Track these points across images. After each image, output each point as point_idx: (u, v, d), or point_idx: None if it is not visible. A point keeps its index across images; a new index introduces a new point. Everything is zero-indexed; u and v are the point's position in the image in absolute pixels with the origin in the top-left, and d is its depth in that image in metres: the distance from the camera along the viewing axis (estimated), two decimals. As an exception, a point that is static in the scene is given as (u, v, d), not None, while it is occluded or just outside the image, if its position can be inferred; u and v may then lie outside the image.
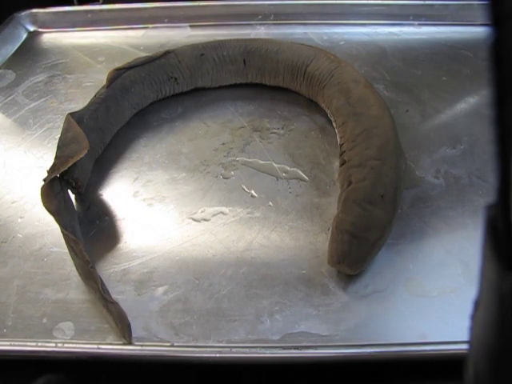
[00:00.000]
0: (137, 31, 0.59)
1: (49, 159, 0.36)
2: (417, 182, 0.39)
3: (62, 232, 0.33)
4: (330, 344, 0.30)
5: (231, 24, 0.57)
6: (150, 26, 0.57)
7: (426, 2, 0.55)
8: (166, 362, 0.31)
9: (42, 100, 0.49)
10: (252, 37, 0.54)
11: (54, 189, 0.35)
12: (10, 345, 0.30)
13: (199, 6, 0.57)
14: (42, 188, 0.35)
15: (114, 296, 0.32)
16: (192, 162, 0.42)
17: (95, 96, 0.43)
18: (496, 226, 0.13)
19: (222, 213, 0.38)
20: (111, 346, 0.30)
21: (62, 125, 0.39)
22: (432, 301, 0.32)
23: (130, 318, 0.31)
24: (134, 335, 0.30)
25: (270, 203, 0.38)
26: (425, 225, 0.36)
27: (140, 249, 0.36)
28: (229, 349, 0.30)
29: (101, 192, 0.40)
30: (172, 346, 0.30)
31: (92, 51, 0.56)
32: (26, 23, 0.61)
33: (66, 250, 0.34)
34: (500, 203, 0.13)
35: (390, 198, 0.33)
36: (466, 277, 0.33)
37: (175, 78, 0.46)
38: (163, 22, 0.58)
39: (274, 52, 0.46)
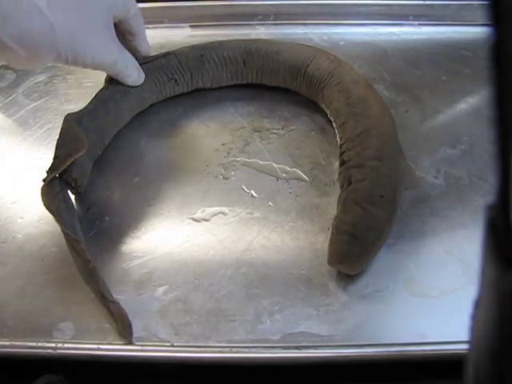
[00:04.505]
0: (137, 31, 0.59)
1: (49, 159, 0.36)
2: (417, 182, 0.39)
3: (63, 231, 0.33)
4: (330, 344, 0.30)
5: (231, 24, 0.57)
6: (150, 26, 0.57)
7: (426, 2, 0.55)
8: (166, 361, 0.31)
9: (42, 100, 0.49)
10: (252, 37, 0.54)
11: (54, 189, 0.35)
12: (10, 345, 0.31)
13: (199, 6, 0.57)
14: (41, 188, 0.35)
15: (114, 296, 0.32)
16: (192, 162, 0.42)
17: (95, 97, 0.43)
18: (496, 226, 0.13)
19: (222, 213, 0.38)
20: (111, 346, 0.30)
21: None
22: (432, 301, 0.32)
23: (129, 318, 0.31)
24: (134, 335, 0.30)
25: (270, 203, 0.38)
26: (424, 225, 0.36)
27: (140, 249, 0.36)
28: (229, 349, 0.30)
29: (101, 192, 0.40)
30: (172, 346, 0.30)
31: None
32: (26, 23, 0.61)
33: (66, 250, 0.34)
34: (500, 203, 0.13)
35: (390, 198, 0.33)
36: (466, 277, 0.33)
37: (175, 80, 0.46)
38: (163, 22, 0.57)
39: (274, 52, 0.46)
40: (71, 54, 0.37)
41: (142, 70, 0.44)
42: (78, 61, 0.38)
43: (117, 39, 0.41)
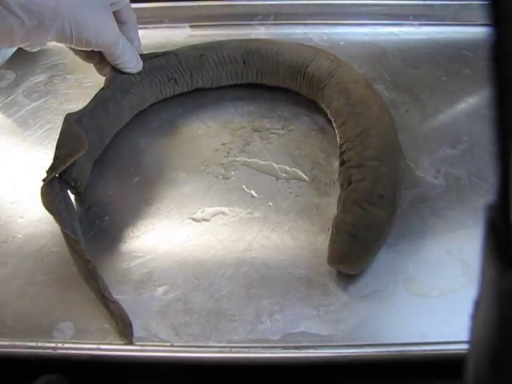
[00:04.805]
0: (137, 31, 0.59)
1: (49, 159, 0.36)
2: (417, 182, 0.39)
3: (63, 232, 0.33)
4: (330, 344, 0.30)
5: (231, 24, 0.57)
6: (150, 26, 0.57)
7: (426, 2, 0.55)
8: (166, 361, 0.31)
9: (42, 100, 0.49)
10: (252, 37, 0.54)
11: (54, 189, 0.35)
12: (10, 345, 0.31)
13: (199, 6, 0.57)
14: (41, 188, 0.35)
15: (114, 296, 0.32)
16: (192, 162, 0.42)
17: (95, 97, 0.43)
18: (496, 226, 0.13)
19: (222, 213, 0.38)
20: (111, 346, 0.30)
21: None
22: (432, 301, 0.32)
23: (130, 318, 0.31)
24: (134, 335, 0.30)
25: (270, 203, 0.38)
26: (424, 225, 0.36)
27: (140, 249, 0.36)
28: (229, 349, 0.30)
29: (101, 192, 0.40)
30: (172, 346, 0.30)
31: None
32: (26, 23, 0.61)
33: (66, 250, 0.34)
34: (500, 203, 0.13)
35: (390, 198, 0.33)
36: (466, 277, 0.33)
37: (175, 79, 0.46)
38: (163, 22, 0.58)
39: (274, 52, 0.46)
40: (75, 26, 0.37)
41: (140, 58, 0.44)
42: (81, 36, 0.38)
43: (115, 20, 0.42)
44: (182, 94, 0.48)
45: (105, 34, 0.40)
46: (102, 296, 0.31)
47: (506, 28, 0.12)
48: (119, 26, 0.43)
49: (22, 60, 0.56)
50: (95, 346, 0.30)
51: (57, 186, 0.36)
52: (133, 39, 0.45)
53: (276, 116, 0.46)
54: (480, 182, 0.39)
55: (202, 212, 0.38)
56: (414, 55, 0.51)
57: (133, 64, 0.44)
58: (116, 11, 0.42)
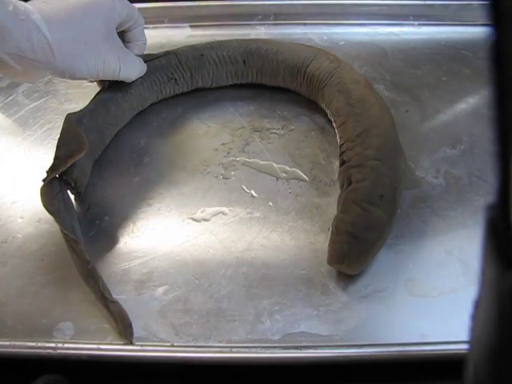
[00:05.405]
0: (137, 31, 0.59)
1: (49, 159, 0.36)
2: (417, 182, 0.39)
3: (62, 232, 0.33)
4: (330, 344, 0.30)
5: (231, 24, 0.57)
6: (150, 26, 0.57)
7: (426, 2, 0.55)
8: (166, 361, 0.31)
9: (42, 100, 0.49)
10: (252, 37, 0.54)
11: (54, 189, 0.35)
12: (10, 345, 0.31)
13: (199, 6, 0.57)
14: (41, 188, 0.35)
15: (114, 296, 0.32)
16: (192, 162, 0.42)
17: (95, 97, 0.43)
18: (496, 226, 0.13)
19: (222, 213, 0.38)
20: (111, 346, 0.30)
21: (62, 125, 0.39)
22: (432, 301, 0.32)
23: (130, 318, 0.31)
24: (134, 335, 0.30)
25: (270, 203, 0.38)
26: (425, 225, 0.36)
27: (140, 249, 0.36)
28: (229, 349, 0.30)
29: (101, 192, 0.40)
30: (172, 346, 0.30)
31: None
32: (26, 23, 0.61)
33: (66, 250, 0.34)
34: (500, 203, 0.13)
35: (390, 197, 0.33)
36: (466, 277, 0.33)
37: (175, 79, 0.46)
38: (163, 22, 0.57)
39: (274, 52, 0.46)
40: (69, 71, 0.37)
41: (143, 63, 0.44)
42: (75, 76, 0.38)
43: (119, 46, 0.41)
44: (182, 94, 0.48)
45: (100, 71, 0.39)
46: (102, 296, 0.31)
47: (506, 28, 0.12)
48: (127, 32, 0.43)
49: (21, 60, 0.56)
50: (95, 346, 0.30)
51: (57, 186, 0.36)
52: (138, 40, 0.45)
53: (276, 116, 0.46)
54: (480, 181, 0.39)
55: (202, 212, 0.38)
56: (414, 55, 0.51)
57: (136, 77, 0.44)
58: (126, 27, 0.43)
